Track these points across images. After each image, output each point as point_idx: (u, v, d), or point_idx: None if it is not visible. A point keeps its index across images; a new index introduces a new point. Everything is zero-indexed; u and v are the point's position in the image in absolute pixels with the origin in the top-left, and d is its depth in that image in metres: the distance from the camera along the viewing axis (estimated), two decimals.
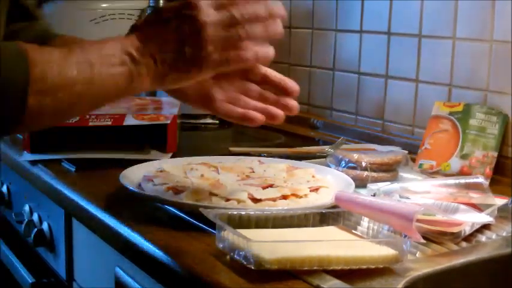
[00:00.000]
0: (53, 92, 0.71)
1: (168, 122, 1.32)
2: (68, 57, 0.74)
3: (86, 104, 0.77)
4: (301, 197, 0.96)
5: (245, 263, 0.76)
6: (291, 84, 0.88)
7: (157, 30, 0.78)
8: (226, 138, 1.74)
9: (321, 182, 1.04)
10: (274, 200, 0.94)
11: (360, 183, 1.07)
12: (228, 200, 0.93)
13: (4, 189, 1.66)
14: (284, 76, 0.88)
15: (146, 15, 0.82)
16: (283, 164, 1.12)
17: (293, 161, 1.19)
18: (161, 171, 1.06)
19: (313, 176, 1.07)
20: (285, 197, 0.95)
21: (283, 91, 0.88)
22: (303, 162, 1.18)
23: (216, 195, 0.95)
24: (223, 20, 0.77)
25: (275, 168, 1.10)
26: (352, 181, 1.05)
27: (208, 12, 0.77)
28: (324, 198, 0.97)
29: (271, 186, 0.99)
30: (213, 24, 0.77)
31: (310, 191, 0.99)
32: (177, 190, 0.96)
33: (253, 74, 0.87)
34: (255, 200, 0.94)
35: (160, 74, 0.78)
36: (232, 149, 1.38)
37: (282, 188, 0.97)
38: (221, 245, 0.81)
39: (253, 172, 1.08)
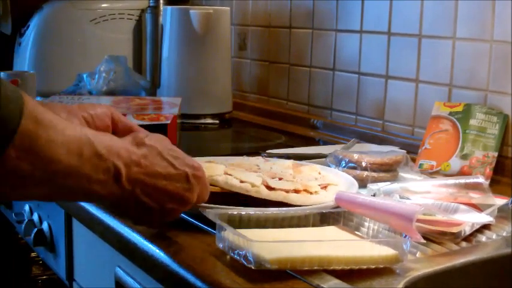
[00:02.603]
0: (33, 160, 0.65)
1: (168, 122, 1.32)
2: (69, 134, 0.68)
3: (51, 188, 0.69)
4: (311, 193, 0.97)
5: (245, 263, 0.76)
6: None
7: (154, 163, 0.77)
8: (226, 138, 1.74)
9: (328, 179, 1.04)
10: (287, 191, 0.94)
11: (360, 183, 1.06)
12: (242, 181, 0.93)
13: None
14: None
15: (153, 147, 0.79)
16: (289, 162, 1.13)
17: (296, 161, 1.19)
18: None
19: (319, 173, 1.07)
20: (297, 191, 0.95)
21: None
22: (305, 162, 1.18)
23: (230, 174, 0.94)
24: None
25: (281, 165, 1.10)
26: (355, 181, 1.05)
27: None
28: (332, 196, 0.97)
29: (280, 179, 0.99)
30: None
31: (321, 188, 0.99)
32: (193, 166, 0.95)
33: None
34: (269, 188, 0.94)
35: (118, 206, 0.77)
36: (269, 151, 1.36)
37: (294, 183, 0.98)
38: (221, 245, 0.81)
39: (260, 169, 1.08)
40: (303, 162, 1.18)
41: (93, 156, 0.70)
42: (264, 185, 0.94)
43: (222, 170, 0.95)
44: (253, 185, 0.93)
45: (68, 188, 0.70)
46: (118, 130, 0.92)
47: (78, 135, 0.69)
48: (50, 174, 0.67)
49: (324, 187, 1.00)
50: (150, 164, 0.76)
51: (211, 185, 0.92)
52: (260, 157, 1.16)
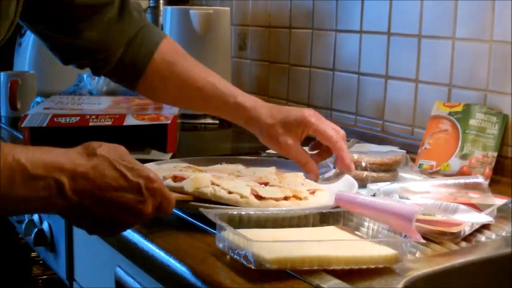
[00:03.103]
0: None
1: (168, 122, 1.32)
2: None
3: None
4: (301, 199, 0.96)
5: (245, 263, 0.76)
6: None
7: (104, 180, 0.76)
8: (226, 138, 1.74)
9: (314, 184, 1.04)
10: (277, 200, 0.94)
11: (360, 183, 1.07)
12: (230, 192, 0.92)
13: None
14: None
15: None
16: (271, 168, 1.11)
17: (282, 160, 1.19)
18: None
19: (302, 183, 1.05)
20: (286, 198, 0.95)
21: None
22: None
23: (218, 185, 0.93)
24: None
25: (264, 171, 1.08)
26: (355, 181, 1.05)
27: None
28: (321, 201, 0.97)
29: (266, 184, 0.99)
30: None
31: (310, 193, 0.98)
32: (176, 178, 0.95)
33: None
34: (259, 197, 0.93)
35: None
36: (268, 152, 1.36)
37: (283, 189, 0.97)
38: (221, 245, 0.81)
39: (241, 174, 1.07)
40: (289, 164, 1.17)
41: (28, 180, 0.71)
42: (253, 195, 0.93)
43: (208, 181, 0.93)
44: (242, 196, 0.92)
45: (11, 209, 0.74)
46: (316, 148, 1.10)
47: (8, 163, 0.70)
48: None
49: (312, 192, 0.99)
50: (99, 175, 0.75)
51: (182, 193, 0.92)
52: (240, 164, 1.13)
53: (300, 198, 0.96)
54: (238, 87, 1.91)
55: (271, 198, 0.94)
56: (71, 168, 0.74)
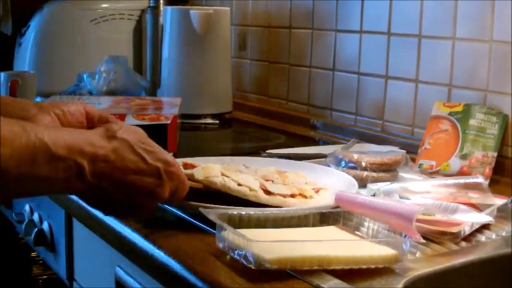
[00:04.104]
0: None
1: (168, 122, 1.32)
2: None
3: (8, 193, 0.72)
4: (307, 197, 0.97)
5: (245, 262, 0.76)
6: None
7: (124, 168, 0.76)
8: (226, 138, 1.74)
9: (317, 184, 1.04)
10: (284, 196, 0.94)
11: (360, 183, 1.07)
12: (239, 185, 0.93)
13: None
14: None
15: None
16: (272, 168, 1.12)
17: (287, 161, 1.19)
18: None
19: (305, 183, 1.05)
20: (293, 196, 0.95)
21: None
22: (297, 162, 1.18)
23: (227, 176, 0.94)
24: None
25: (265, 170, 1.08)
26: (355, 181, 1.05)
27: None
28: (325, 199, 0.97)
29: (272, 181, 0.99)
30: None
31: (315, 192, 0.99)
32: (187, 165, 0.95)
33: None
34: (267, 192, 0.93)
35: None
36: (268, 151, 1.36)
37: (290, 187, 0.97)
38: (221, 245, 0.81)
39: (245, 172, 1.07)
40: (290, 163, 1.17)
41: (50, 159, 0.70)
42: (262, 189, 0.94)
43: (218, 171, 0.94)
44: (251, 189, 0.92)
45: (30, 189, 0.72)
46: (94, 123, 0.92)
47: (32, 141, 0.69)
48: (3, 183, 0.68)
49: (316, 191, 1.00)
50: (119, 158, 0.75)
51: (192, 180, 0.92)
52: (240, 163, 1.12)
53: (306, 197, 0.96)
54: (238, 87, 1.91)
55: (279, 194, 0.94)
56: (91, 151, 0.73)
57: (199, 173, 0.93)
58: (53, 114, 0.90)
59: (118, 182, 0.75)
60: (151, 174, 0.78)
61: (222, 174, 0.94)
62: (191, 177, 0.93)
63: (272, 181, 0.99)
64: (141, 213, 0.83)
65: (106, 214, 0.83)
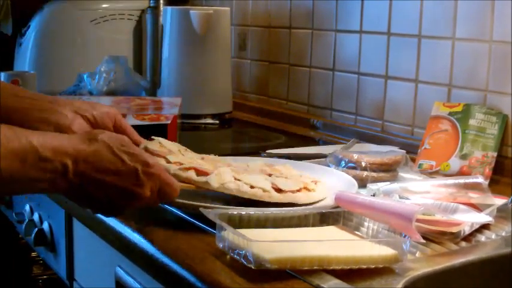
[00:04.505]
0: None
1: (168, 122, 1.32)
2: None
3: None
4: (310, 190, 0.98)
5: (245, 262, 0.76)
6: None
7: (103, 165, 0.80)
8: (226, 138, 1.74)
9: (311, 176, 1.05)
10: (293, 192, 0.96)
11: (360, 183, 1.07)
12: (252, 187, 0.94)
13: None
14: None
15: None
16: (260, 161, 1.13)
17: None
18: (161, 144, 1.05)
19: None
20: (299, 190, 0.97)
21: None
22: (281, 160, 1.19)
23: (239, 180, 0.95)
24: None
25: (255, 164, 1.09)
26: (354, 181, 1.06)
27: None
28: (325, 192, 0.99)
29: (270, 175, 1.00)
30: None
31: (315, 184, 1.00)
32: (199, 171, 0.96)
33: None
34: (279, 190, 0.95)
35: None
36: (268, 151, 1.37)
37: (295, 181, 0.98)
38: (221, 245, 0.82)
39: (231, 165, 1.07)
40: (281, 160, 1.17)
41: (38, 161, 0.75)
42: (274, 188, 0.95)
43: (231, 176, 0.95)
44: (264, 190, 0.94)
45: (18, 189, 0.79)
46: (117, 132, 1.00)
47: (22, 145, 0.74)
48: None
49: (315, 182, 1.01)
50: (98, 159, 0.79)
51: (185, 182, 0.93)
52: (227, 157, 1.14)
53: (309, 190, 0.98)
54: (238, 87, 1.91)
55: (289, 191, 0.95)
56: (73, 152, 0.78)
57: (213, 181, 0.94)
58: (86, 119, 1.00)
59: (97, 181, 0.79)
60: (129, 174, 0.81)
61: (235, 179, 0.95)
62: (205, 186, 0.94)
63: (271, 175, 1.00)
64: (124, 211, 0.85)
65: (94, 212, 0.88)
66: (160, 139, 1.06)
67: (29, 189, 0.81)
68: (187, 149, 1.11)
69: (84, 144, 0.79)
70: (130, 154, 0.81)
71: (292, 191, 0.96)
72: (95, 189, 0.80)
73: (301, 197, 0.96)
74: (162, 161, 0.97)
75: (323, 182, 1.03)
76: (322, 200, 0.99)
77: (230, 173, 0.96)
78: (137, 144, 1.02)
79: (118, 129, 1.03)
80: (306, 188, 0.98)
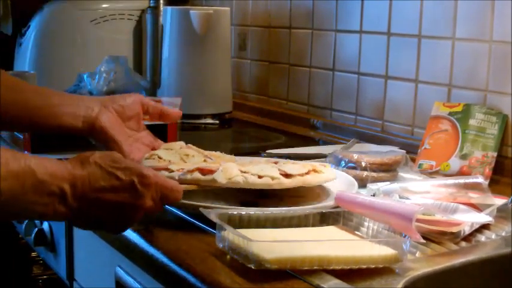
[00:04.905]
0: None
1: (168, 122, 1.32)
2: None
3: None
4: (318, 171, 0.98)
5: (245, 262, 0.76)
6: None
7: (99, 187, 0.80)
8: (226, 138, 1.74)
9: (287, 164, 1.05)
10: (302, 175, 0.96)
11: (360, 183, 1.07)
12: (260, 177, 0.93)
13: None
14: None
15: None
16: (263, 160, 1.12)
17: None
18: (159, 157, 1.05)
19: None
20: (307, 173, 0.97)
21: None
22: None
23: (246, 172, 0.94)
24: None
25: (259, 159, 1.10)
26: (354, 181, 1.06)
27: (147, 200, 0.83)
28: (332, 173, 1.01)
29: (275, 163, 1.01)
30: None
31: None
32: (204, 171, 0.95)
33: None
34: (287, 176, 0.95)
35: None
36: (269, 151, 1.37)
37: (303, 165, 0.98)
38: (221, 245, 0.82)
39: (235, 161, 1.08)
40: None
41: (36, 184, 0.76)
42: (282, 174, 0.94)
43: (237, 170, 0.95)
44: (273, 178, 0.94)
45: (18, 212, 0.78)
46: (149, 113, 1.12)
47: (21, 167, 0.75)
48: None
49: (324, 166, 1.02)
50: (94, 179, 0.80)
51: (185, 183, 0.93)
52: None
53: (317, 171, 0.98)
54: (238, 87, 1.91)
55: (298, 175, 0.95)
56: (69, 177, 0.79)
57: (220, 177, 0.93)
58: (113, 110, 1.06)
59: (96, 201, 0.80)
60: (126, 189, 0.81)
61: (241, 171, 0.95)
62: (212, 183, 0.94)
63: (277, 162, 1.01)
64: (131, 225, 0.86)
65: (95, 230, 0.90)
66: (159, 152, 1.06)
67: (29, 213, 0.80)
68: (191, 145, 1.12)
69: (78, 168, 0.80)
70: (123, 169, 0.81)
71: (301, 174, 0.95)
72: (96, 210, 0.80)
73: (311, 179, 0.96)
74: (165, 173, 0.97)
75: (325, 166, 1.03)
76: (331, 179, 0.99)
77: (236, 167, 0.96)
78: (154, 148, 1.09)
79: (148, 110, 1.11)
80: (314, 170, 0.98)
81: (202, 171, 0.95)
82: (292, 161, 1.05)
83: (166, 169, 0.98)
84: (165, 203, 0.86)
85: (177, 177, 0.94)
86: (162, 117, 1.17)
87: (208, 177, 0.94)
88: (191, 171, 0.95)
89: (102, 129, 1.06)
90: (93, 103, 1.06)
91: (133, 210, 0.82)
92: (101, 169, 0.81)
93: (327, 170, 1.00)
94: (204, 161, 1.05)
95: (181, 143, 1.14)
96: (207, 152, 1.10)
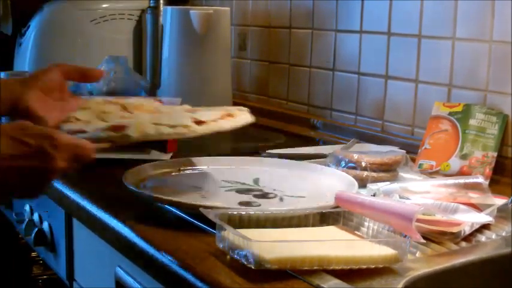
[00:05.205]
0: None
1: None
2: None
3: None
4: (233, 116, 0.99)
5: (245, 262, 0.76)
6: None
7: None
8: (226, 138, 1.74)
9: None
10: (215, 121, 0.96)
11: (360, 183, 1.07)
12: (173, 126, 0.93)
13: None
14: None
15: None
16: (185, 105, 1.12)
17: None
18: (76, 119, 1.05)
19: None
20: (221, 118, 0.97)
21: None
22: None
23: (160, 124, 0.94)
24: None
25: (181, 108, 1.10)
26: (354, 181, 1.06)
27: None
28: (247, 116, 1.02)
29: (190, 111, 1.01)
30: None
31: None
32: (116, 128, 0.95)
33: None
34: (199, 122, 0.94)
35: None
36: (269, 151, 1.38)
37: (217, 110, 0.98)
38: (221, 245, 0.81)
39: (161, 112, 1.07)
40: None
41: None
42: (194, 122, 0.94)
43: (149, 123, 0.94)
44: (185, 126, 0.93)
45: None
46: (73, 78, 1.09)
47: None
48: None
49: (239, 110, 1.04)
50: (4, 149, 0.82)
51: (100, 142, 0.93)
52: (152, 99, 1.15)
53: (233, 116, 0.99)
54: (238, 87, 1.90)
55: (211, 121, 0.95)
56: None
57: (132, 131, 0.93)
58: (37, 89, 1.03)
59: (9, 170, 0.82)
60: (37, 153, 0.83)
61: (155, 124, 0.94)
62: (125, 139, 0.93)
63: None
64: (45, 189, 0.88)
65: (16, 198, 0.93)
66: (76, 114, 1.04)
67: None
68: (109, 99, 1.10)
69: None
70: (32, 135, 0.83)
71: (214, 120, 0.95)
72: (9, 178, 0.82)
73: (225, 124, 0.95)
74: (80, 135, 0.95)
75: (242, 110, 1.02)
76: (247, 123, 0.99)
77: (148, 120, 0.95)
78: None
79: (72, 77, 1.07)
80: (229, 115, 0.97)
81: (115, 128, 0.95)
82: (209, 108, 1.03)
83: (82, 131, 0.97)
84: (78, 161, 0.87)
85: (91, 135, 0.94)
86: (85, 77, 1.13)
87: (120, 133, 0.94)
88: (104, 130, 0.95)
89: (26, 108, 1.05)
90: (15, 85, 1.05)
91: (46, 173, 0.84)
92: (10, 138, 0.82)
93: (242, 113, 1.00)
94: (122, 117, 1.04)
95: (98, 99, 1.12)
96: (126, 103, 1.08)
